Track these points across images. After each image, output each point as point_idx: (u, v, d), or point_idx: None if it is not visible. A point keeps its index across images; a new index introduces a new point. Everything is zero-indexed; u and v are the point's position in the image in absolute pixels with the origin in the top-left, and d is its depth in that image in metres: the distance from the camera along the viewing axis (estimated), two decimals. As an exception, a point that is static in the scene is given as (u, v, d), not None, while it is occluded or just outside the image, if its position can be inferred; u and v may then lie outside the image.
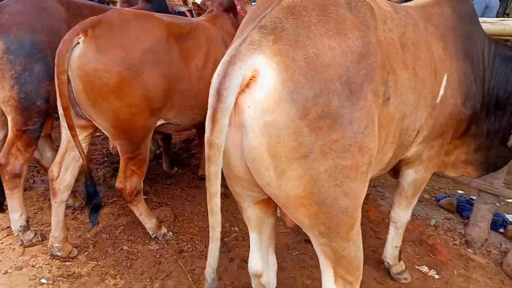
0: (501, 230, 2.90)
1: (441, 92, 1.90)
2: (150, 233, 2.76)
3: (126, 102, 2.18)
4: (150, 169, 3.77)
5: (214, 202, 1.39)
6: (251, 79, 1.26)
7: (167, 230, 2.84)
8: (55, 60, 2.07)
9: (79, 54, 2.06)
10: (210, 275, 1.51)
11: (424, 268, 2.62)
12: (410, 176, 2.22)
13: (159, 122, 2.49)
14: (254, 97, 1.25)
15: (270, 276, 1.88)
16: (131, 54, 2.13)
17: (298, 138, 1.26)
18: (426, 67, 1.76)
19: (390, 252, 2.48)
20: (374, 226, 3.06)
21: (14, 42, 2.37)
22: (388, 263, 2.50)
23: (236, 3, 3.12)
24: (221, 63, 1.29)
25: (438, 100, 1.90)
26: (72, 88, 2.13)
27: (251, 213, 1.76)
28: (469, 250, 2.77)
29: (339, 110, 1.30)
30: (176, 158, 4.23)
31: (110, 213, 3.09)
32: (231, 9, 2.96)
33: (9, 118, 2.49)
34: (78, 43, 2.07)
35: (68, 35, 2.07)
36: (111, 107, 2.16)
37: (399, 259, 2.50)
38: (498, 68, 2.12)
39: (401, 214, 2.37)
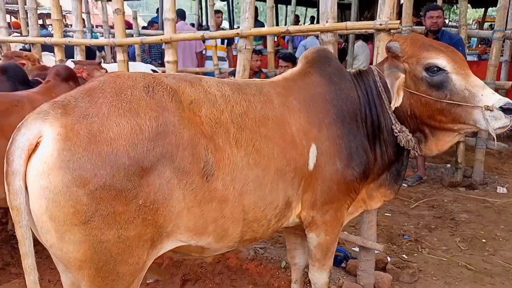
0: (343, 265, 3.10)
1: (312, 161, 1.95)
2: (-8, 312, 2.69)
3: None
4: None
5: (27, 263, 1.47)
6: (36, 146, 1.37)
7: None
8: None
9: None
10: None
11: (267, 311, 2.75)
12: (313, 239, 2.17)
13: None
14: (33, 162, 1.37)
15: None
16: None
17: (76, 205, 1.36)
18: (276, 142, 1.83)
19: None
20: (232, 274, 3.16)
21: None
22: None
23: (81, 70, 3.24)
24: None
25: (310, 169, 1.95)
26: None
27: (65, 278, 1.86)
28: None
29: (124, 184, 1.40)
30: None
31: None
32: (70, 78, 3.05)
33: None
34: None
35: None
36: None
37: None
38: (368, 98, 2.12)
39: (316, 275, 2.32)
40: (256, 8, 9.71)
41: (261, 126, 1.83)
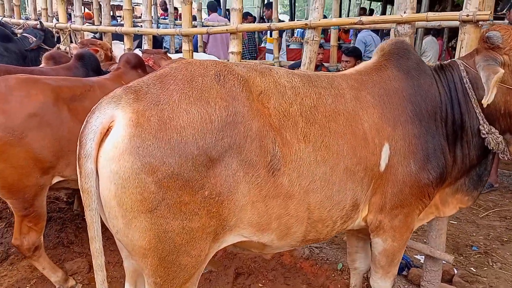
0: (404, 273, 2.92)
1: (384, 161, 1.84)
2: (57, 287, 2.82)
3: (11, 164, 2.30)
4: (82, 218, 3.86)
5: (94, 247, 1.50)
6: (109, 129, 1.38)
7: (76, 283, 2.89)
8: None
9: (-41, 122, 2.20)
10: None
11: (321, 314, 2.65)
12: (378, 244, 2.04)
13: (56, 180, 2.58)
14: (104, 146, 1.37)
15: None
16: (12, 119, 2.27)
17: (143, 192, 1.35)
18: (346, 139, 1.73)
19: None
20: (286, 271, 3.10)
21: None
22: None
23: (148, 58, 3.30)
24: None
25: (381, 170, 1.84)
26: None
27: (128, 264, 1.91)
28: (369, 294, 2.79)
29: (192, 174, 1.38)
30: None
31: (28, 266, 3.15)
32: (139, 66, 3.12)
33: None
34: (-42, 111, 2.21)
35: (-51, 104, 2.23)
36: (-5, 169, 2.29)
37: None
38: (450, 95, 1.95)
39: (379, 282, 2.17)
40: None
41: (331, 121, 1.73)
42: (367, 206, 1.91)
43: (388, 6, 11.85)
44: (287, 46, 8.87)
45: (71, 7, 8.42)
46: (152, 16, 5.65)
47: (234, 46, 3.47)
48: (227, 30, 3.49)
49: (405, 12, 2.34)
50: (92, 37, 6.11)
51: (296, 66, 6.08)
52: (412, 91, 1.90)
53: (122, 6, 5.59)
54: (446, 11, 8.30)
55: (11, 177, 2.33)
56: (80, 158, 1.40)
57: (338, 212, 1.77)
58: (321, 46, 5.81)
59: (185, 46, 3.93)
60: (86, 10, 12.69)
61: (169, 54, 4.16)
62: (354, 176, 1.75)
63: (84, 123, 1.43)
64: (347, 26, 5.51)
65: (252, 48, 7.70)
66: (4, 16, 7.43)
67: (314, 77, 1.84)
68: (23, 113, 2.32)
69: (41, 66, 3.61)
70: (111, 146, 1.36)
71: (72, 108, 2.54)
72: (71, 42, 5.66)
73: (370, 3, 16.89)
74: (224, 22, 7.96)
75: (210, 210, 1.44)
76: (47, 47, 4.99)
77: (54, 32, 5.73)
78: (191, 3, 3.85)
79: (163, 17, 10.89)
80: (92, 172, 1.38)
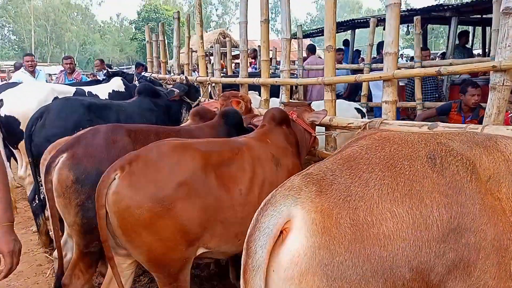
0: None
1: None
2: None
3: (159, 237, 2.15)
4: (220, 278, 3.68)
5: None
6: (283, 232, 1.07)
7: None
8: (95, 195, 2.19)
9: (114, 191, 2.13)
10: None
11: None
12: None
13: (200, 251, 2.38)
14: (279, 259, 1.06)
15: None
16: (163, 189, 2.13)
17: None
18: None
19: None
20: None
21: (83, 173, 2.61)
22: None
23: (291, 112, 3.03)
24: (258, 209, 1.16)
25: None
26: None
27: None
28: None
29: None
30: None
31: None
32: (284, 122, 2.86)
33: (74, 241, 2.70)
34: (114, 179, 2.16)
35: (107, 171, 2.18)
36: (144, 242, 2.15)
37: None
38: None
39: None
40: (467, 33, 8.49)
41: None
42: None
43: None
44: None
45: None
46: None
47: (389, 94, 3.00)
48: (380, 77, 3.06)
49: None
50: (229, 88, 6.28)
51: (446, 109, 5.26)
52: None
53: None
54: None
55: (158, 250, 2.19)
56: (247, 270, 1.08)
57: None
58: (476, 84, 4.98)
59: (327, 96, 3.59)
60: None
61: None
62: None
63: (253, 221, 1.12)
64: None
65: (433, 87, 6.79)
66: (153, 72, 8.23)
67: None
68: (173, 182, 2.17)
69: (188, 122, 3.64)
70: (288, 261, 1.02)
71: (219, 175, 2.34)
72: (211, 94, 5.86)
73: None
74: (322, 64, 7.68)
75: None
76: (189, 100, 5.21)
77: (197, 86, 6.02)
78: (335, 50, 3.54)
79: (253, 66, 10.98)
80: None
